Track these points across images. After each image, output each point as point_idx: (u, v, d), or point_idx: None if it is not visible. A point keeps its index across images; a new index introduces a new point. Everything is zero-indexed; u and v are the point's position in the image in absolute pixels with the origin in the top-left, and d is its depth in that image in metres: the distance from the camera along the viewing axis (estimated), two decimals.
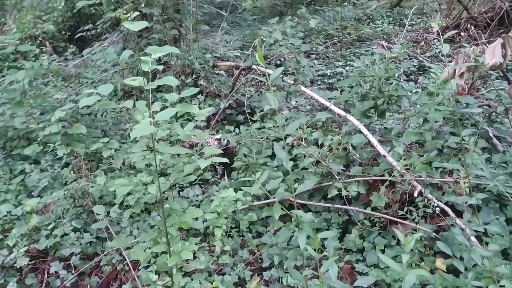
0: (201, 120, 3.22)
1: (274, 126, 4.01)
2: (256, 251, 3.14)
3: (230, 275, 2.88)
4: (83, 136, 4.40)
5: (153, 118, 2.00)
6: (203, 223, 3.26)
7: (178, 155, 2.35)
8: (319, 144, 3.33)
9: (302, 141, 3.48)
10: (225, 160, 2.08)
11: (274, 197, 1.99)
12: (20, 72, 4.14)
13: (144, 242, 2.42)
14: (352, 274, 2.88)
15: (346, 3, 9.86)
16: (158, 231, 2.32)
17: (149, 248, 2.31)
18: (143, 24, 1.89)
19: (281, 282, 2.80)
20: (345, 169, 3.25)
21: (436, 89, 2.57)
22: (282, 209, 1.94)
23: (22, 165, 4.22)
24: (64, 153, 3.91)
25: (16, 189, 3.84)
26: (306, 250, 1.85)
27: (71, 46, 8.58)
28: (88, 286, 3.09)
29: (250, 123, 4.31)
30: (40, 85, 4.53)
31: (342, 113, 3.46)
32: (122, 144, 4.40)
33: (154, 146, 2.10)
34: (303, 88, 3.78)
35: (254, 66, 4.21)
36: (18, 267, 3.07)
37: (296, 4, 10.41)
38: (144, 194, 2.42)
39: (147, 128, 1.74)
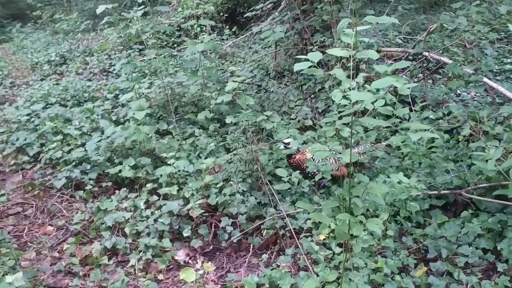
0: None
1: (441, 117, 3.82)
2: (419, 241, 3.03)
3: (392, 259, 2.84)
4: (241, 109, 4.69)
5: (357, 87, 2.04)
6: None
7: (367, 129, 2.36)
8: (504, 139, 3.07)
9: (479, 134, 3.25)
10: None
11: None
12: (200, 44, 4.53)
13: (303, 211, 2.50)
14: None
15: None
16: (339, 201, 2.37)
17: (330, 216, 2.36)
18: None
19: (451, 277, 2.67)
20: None
21: None
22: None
23: (192, 129, 4.65)
24: (231, 122, 4.21)
25: (188, 149, 4.25)
26: None
27: (227, 27, 9.16)
28: (251, 245, 3.30)
29: (413, 112, 4.14)
30: (213, 58, 4.89)
31: None
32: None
33: (352, 117, 2.13)
34: (485, 79, 3.50)
35: (425, 53, 4.03)
36: (193, 217, 3.43)
37: None
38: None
39: (365, 95, 1.78)
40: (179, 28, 9.06)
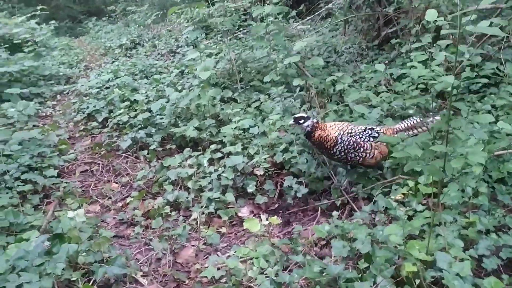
0: None
1: None
2: None
3: (485, 217, 2.45)
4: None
5: None
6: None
7: None
8: None
9: None
10: None
11: None
12: (268, 7, 4.35)
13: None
14: None
15: None
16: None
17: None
18: None
19: None
20: None
21: None
22: None
23: (257, 96, 4.47)
24: (299, 84, 3.98)
25: (253, 113, 4.07)
26: None
27: (292, 10, 8.96)
28: (319, 207, 3.04)
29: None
30: (280, 24, 4.69)
31: None
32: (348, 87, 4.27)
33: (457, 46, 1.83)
34: None
35: None
36: (257, 174, 3.24)
37: None
38: None
39: None
40: (245, 12, 9.00)
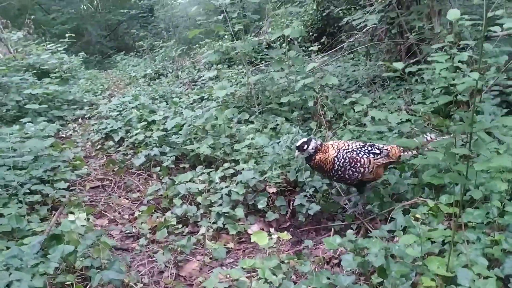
0: None
1: None
2: None
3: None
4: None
5: None
6: None
7: None
8: None
9: None
10: None
11: None
12: (287, 29, 4.37)
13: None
14: None
15: None
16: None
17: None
18: None
19: None
20: None
21: None
22: None
23: (274, 118, 4.41)
24: (314, 102, 3.91)
25: (268, 134, 3.99)
26: None
27: (314, 45, 9.03)
28: (333, 228, 2.88)
29: None
30: (299, 48, 4.70)
31: None
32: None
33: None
34: None
35: None
36: (269, 192, 3.12)
37: None
38: None
39: None
40: (267, 46, 9.11)
